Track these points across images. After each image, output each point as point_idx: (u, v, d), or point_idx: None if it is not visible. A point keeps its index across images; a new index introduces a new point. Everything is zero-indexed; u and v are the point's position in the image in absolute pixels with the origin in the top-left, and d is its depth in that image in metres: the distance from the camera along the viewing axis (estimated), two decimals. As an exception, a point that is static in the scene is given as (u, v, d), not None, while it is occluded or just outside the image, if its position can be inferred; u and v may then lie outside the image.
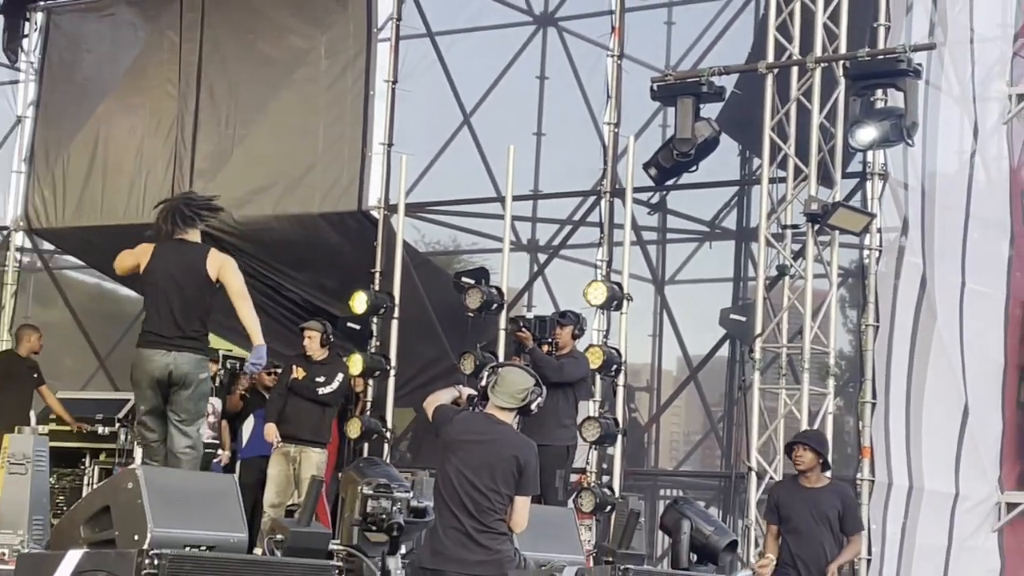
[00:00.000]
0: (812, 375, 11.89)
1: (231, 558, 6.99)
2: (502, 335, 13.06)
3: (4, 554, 8.01)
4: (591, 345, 12.92)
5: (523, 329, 11.67)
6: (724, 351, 15.63)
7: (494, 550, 6.90)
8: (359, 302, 13.53)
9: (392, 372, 14.21)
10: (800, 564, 9.32)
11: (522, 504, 7.30)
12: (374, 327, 14.23)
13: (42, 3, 19.12)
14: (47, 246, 19.49)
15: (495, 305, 12.49)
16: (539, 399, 7.59)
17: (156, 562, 3.83)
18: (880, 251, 12.40)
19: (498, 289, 12.99)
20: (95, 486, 12.62)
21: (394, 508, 8.01)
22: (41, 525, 8.58)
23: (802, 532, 9.34)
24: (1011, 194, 14.13)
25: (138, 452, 14.03)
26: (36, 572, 4.01)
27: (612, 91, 14.94)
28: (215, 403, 14.01)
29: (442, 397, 7.82)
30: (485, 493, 7.01)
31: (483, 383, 7.55)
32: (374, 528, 7.88)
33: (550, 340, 11.29)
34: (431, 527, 7.75)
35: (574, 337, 11.75)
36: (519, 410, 7.55)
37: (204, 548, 7.65)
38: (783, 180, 12.06)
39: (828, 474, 9.60)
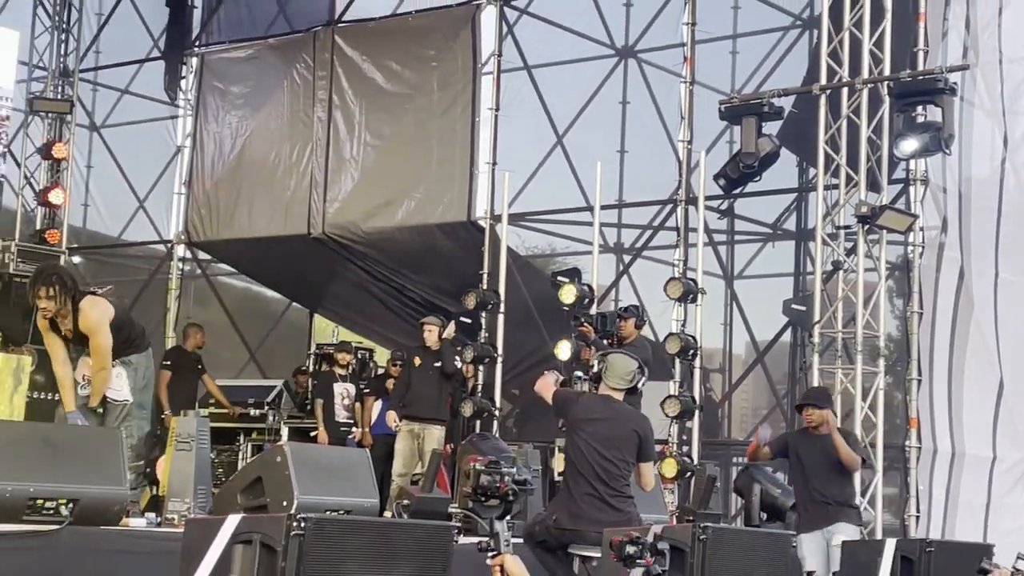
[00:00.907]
0: (864, 356, 11.79)
1: (365, 520, 7.01)
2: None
3: (174, 519, 8.16)
4: (670, 334, 12.97)
5: (584, 324, 11.77)
6: (787, 336, 15.54)
7: (624, 511, 7.43)
8: (470, 300, 13.61)
9: (499, 359, 14.28)
10: (815, 497, 9.28)
11: (647, 468, 8.17)
12: (483, 321, 14.19)
13: (197, 49, 19.30)
14: (204, 256, 19.63)
15: (587, 300, 12.53)
16: (643, 379, 8.11)
17: (303, 525, 3.84)
18: (923, 247, 12.33)
19: (589, 286, 13.03)
20: (248, 460, 12.84)
21: (502, 481, 8.10)
22: (204, 494, 8.69)
23: (816, 473, 9.34)
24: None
25: (284, 430, 14.33)
26: (202, 535, 3.98)
27: (685, 113, 14.92)
28: (349, 388, 14.25)
29: (549, 380, 8.18)
30: (614, 462, 7.70)
31: (595, 370, 8.06)
32: (484, 499, 7.97)
33: (613, 333, 11.37)
34: (565, 493, 8.12)
35: (637, 327, 11.80)
36: (627, 390, 8.02)
37: (342, 512, 7.82)
38: (836, 187, 12.00)
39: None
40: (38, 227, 17.98)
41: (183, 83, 19.66)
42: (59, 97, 19.03)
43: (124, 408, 8.18)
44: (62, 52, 19.23)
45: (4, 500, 6.59)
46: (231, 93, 19.02)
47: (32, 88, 19.18)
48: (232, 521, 3.93)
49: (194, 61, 19.44)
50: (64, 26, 19.24)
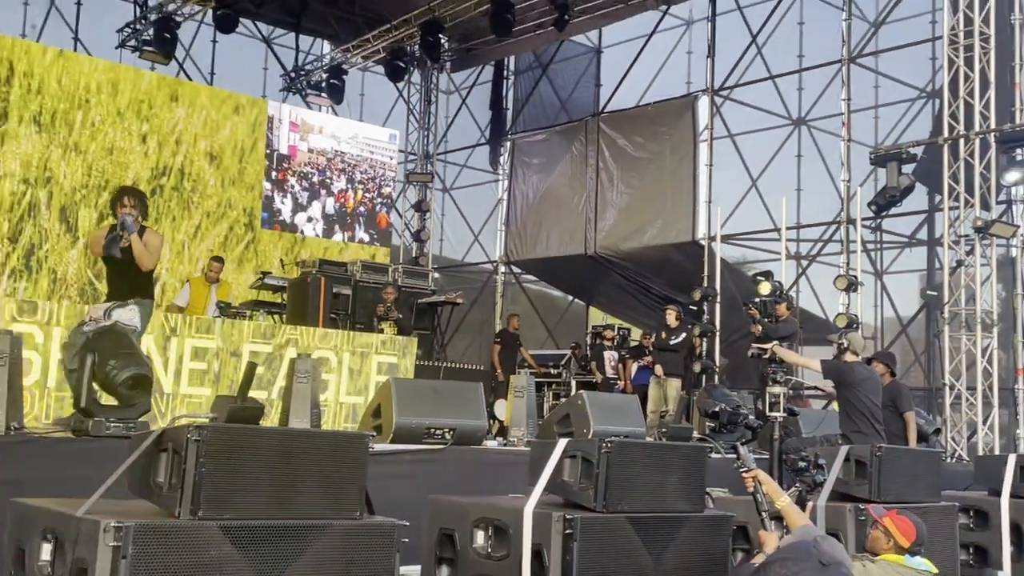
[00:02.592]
0: (981, 326, 11.43)
1: (641, 442, 7.09)
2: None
3: (514, 441, 8.33)
4: (839, 313, 12.52)
5: (752, 307, 11.60)
6: (922, 315, 15.07)
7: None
8: (696, 294, 13.56)
9: (716, 333, 14.12)
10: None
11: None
12: (704, 308, 14.02)
13: (510, 136, 19.77)
14: (516, 270, 20.02)
15: (778, 292, 12.38)
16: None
17: (608, 446, 3.89)
18: (1022, 248, 11.85)
19: (779, 282, 12.90)
20: (552, 404, 13.12)
21: (746, 419, 7.99)
22: (532, 425, 8.61)
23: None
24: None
25: (573, 383, 14.57)
26: (542, 452, 4.05)
27: (844, 161, 14.73)
28: (614, 355, 14.59)
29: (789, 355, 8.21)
30: (882, 410, 7.96)
31: (844, 346, 8.01)
32: (724, 430, 7.92)
33: (771, 313, 11.28)
34: (855, 432, 7.93)
35: (788, 308, 11.54)
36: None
37: (623, 436, 7.84)
38: (956, 208, 11.64)
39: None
40: (413, 255, 18.72)
41: (501, 158, 20.18)
42: (424, 171, 19.69)
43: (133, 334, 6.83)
44: (425, 142, 19.91)
45: (411, 429, 7.04)
46: (532, 163, 19.57)
47: (408, 166, 19.96)
48: (562, 443, 4.07)
49: (508, 143, 19.93)
50: (426, 126, 19.92)
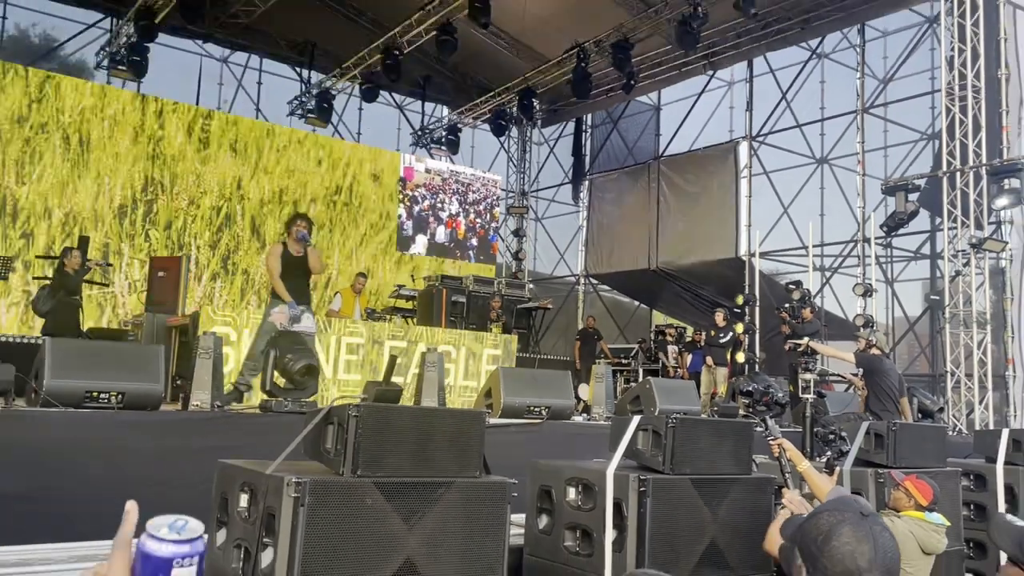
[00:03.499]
0: (976, 324, 11.22)
1: (698, 418, 7.06)
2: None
3: (595, 417, 8.37)
4: (857, 314, 12.40)
5: (783, 311, 11.50)
6: (927, 315, 14.68)
7: None
8: (739, 299, 13.42)
9: (757, 331, 13.97)
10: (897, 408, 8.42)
11: (904, 402, 8.27)
12: (747, 310, 13.62)
13: (587, 177, 19.74)
14: (594, 281, 19.90)
15: (806, 298, 12.20)
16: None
17: (671, 423, 3.88)
18: (1010, 260, 11.61)
19: (808, 290, 12.72)
20: (625, 387, 13.07)
21: (775, 397, 7.88)
22: (610, 404, 8.76)
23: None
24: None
25: (640, 371, 14.52)
26: (620, 426, 4.01)
27: (860, 191, 14.48)
28: (674, 348, 14.51)
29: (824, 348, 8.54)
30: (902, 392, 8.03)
31: (872, 343, 8.34)
32: (757, 406, 7.85)
33: (798, 315, 11.17)
34: (882, 411, 7.87)
35: (812, 312, 11.34)
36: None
37: (683, 413, 7.86)
38: (954, 228, 11.41)
39: None
40: (512, 271, 18.75)
41: (581, 194, 20.08)
42: (520, 205, 19.76)
43: (273, 330, 6.86)
44: (521, 183, 19.96)
45: (515, 406, 7.20)
46: (606, 198, 19.47)
47: (507, 202, 19.98)
48: (636, 419, 4.05)
49: (586, 182, 19.80)
50: (522, 170, 20.00)
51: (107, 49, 14.55)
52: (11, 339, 9.55)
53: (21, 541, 3.86)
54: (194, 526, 1.01)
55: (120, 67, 13.99)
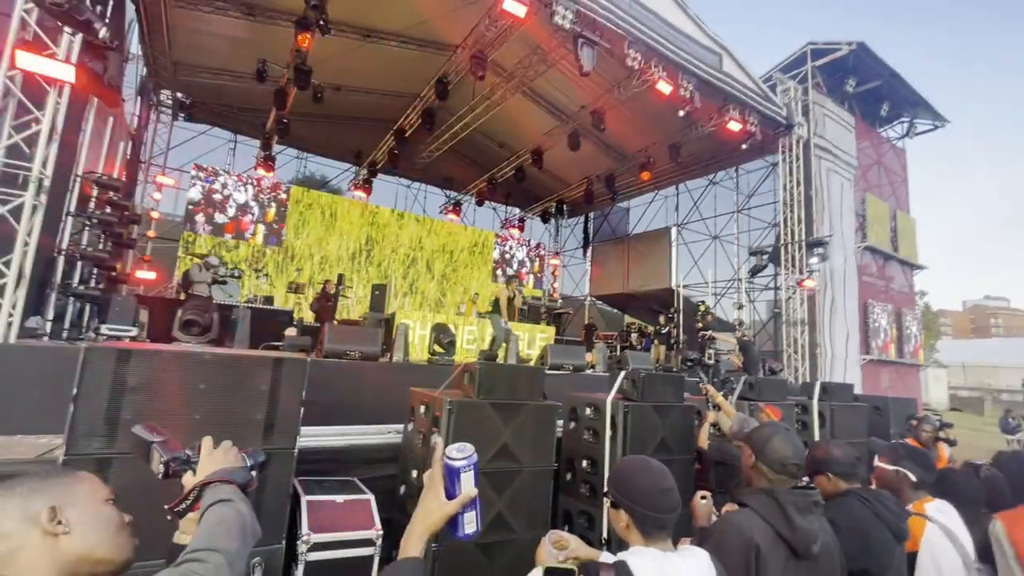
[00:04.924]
0: (798, 324, 10.70)
1: (655, 373, 6.80)
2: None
3: (598, 370, 7.70)
4: (735, 319, 11.91)
5: (697, 318, 10.42)
6: (772, 320, 13.96)
7: None
8: (671, 310, 12.95)
9: (680, 326, 13.34)
10: (756, 368, 7.67)
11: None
12: (674, 316, 12.78)
13: (591, 244, 18.73)
14: (593, 299, 18.93)
15: (707, 310, 11.74)
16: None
17: (642, 375, 3.58)
18: (819, 290, 11.07)
19: (708, 305, 12.23)
20: (611, 355, 12.53)
21: (700, 360, 7.43)
22: (604, 363, 8.07)
23: (755, 362, 7.73)
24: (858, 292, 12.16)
25: (618, 347, 14.07)
26: (613, 375, 3.93)
27: (736, 253, 13.94)
28: (636, 335, 13.61)
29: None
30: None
31: (745, 333, 7.27)
32: (694, 366, 7.36)
33: (703, 319, 10.26)
34: (752, 370, 7.02)
35: (711, 316, 10.47)
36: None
37: (646, 370, 7.57)
38: (788, 273, 11.00)
39: None
40: (551, 293, 18.26)
41: (587, 254, 19.02)
42: (556, 255, 19.31)
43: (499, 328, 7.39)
44: (554, 247, 18.98)
45: (558, 364, 6.52)
46: (600, 254, 18.62)
47: (550, 254, 19.25)
48: (622, 373, 3.78)
49: (591, 248, 18.87)
50: (556, 240, 19.13)
51: (351, 182, 15.16)
52: (307, 324, 9.82)
53: (327, 423, 3.77)
54: (469, 448, 0.98)
55: (358, 190, 14.58)
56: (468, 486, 0.95)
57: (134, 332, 4.82)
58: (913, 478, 2.01)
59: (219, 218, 12.40)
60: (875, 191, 13.24)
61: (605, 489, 1.42)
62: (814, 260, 10.55)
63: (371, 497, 2.79)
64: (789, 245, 11.10)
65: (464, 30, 9.10)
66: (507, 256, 17.66)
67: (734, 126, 10.02)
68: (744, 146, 10.72)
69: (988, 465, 2.38)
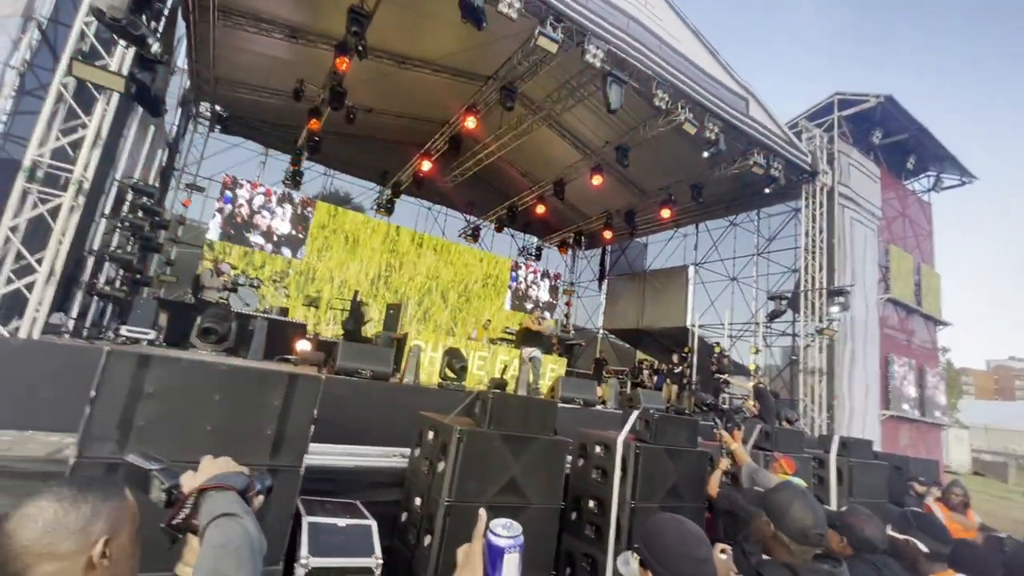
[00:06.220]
0: (816, 373, 10.46)
1: (668, 415, 6.66)
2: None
3: (609, 406, 7.54)
4: (751, 363, 11.69)
5: (712, 358, 10.52)
6: (789, 367, 13.71)
7: None
8: (685, 349, 12.65)
9: (694, 367, 13.04)
10: (772, 416, 7.29)
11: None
12: (688, 356, 12.40)
13: (607, 277, 18.71)
14: (606, 332, 18.83)
15: (723, 352, 11.55)
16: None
17: (656, 415, 3.62)
18: (838, 340, 10.83)
19: (723, 347, 12.08)
20: (622, 391, 12.40)
21: (709, 403, 7.25)
22: (616, 400, 7.92)
23: (771, 410, 7.51)
24: (880, 331, 11.89)
25: (630, 383, 13.76)
26: (626, 414, 3.91)
27: (755, 297, 13.75)
28: (648, 371, 13.54)
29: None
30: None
31: (761, 379, 6.99)
32: (704, 408, 7.14)
33: (719, 360, 10.34)
34: (768, 418, 6.86)
35: (726, 358, 10.62)
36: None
37: (659, 410, 7.36)
38: (807, 320, 10.82)
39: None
40: (565, 325, 18.16)
41: (603, 286, 19.08)
42: (571, 288, 19.07)
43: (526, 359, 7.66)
44: (570, 278, 19.01)
45: (569, 398, 6.39)
46: (616, 289, 18.62)
47: (566, 286, 19.27)
48: (635, 412, 3.76)
49: (606, 280, 18.90)
50: (572, 271, 19.03)
51: (375, 200, 15.43)
52: (324, 339, 9.85)
53: (332, 441, 3.74)
54: (517, 528, 0.87)
55: (380, 209, 14.82)
56: (511, 570, 0.83)
57: (152, 335, 4.91)
58: (924, 548, 1.93)
59: (250, 231, 12.56)
60: (899, 243, 13.06)
61: (635, 544, 1.38)
62: (835, 309, 10.34)
63: (373, 523, 2.71)
64: (809, 292, 10.94)
65: (497, 62, 9.26)
66: (524, 286, 17.58)
67: (758, 170, 10.05)
68: (767, 190, 10.71)
69: (1009, 537, 2.28)
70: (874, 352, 11.48)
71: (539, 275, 18.03)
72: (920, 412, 12.57)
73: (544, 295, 17.98)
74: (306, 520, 2.54)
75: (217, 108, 11.09)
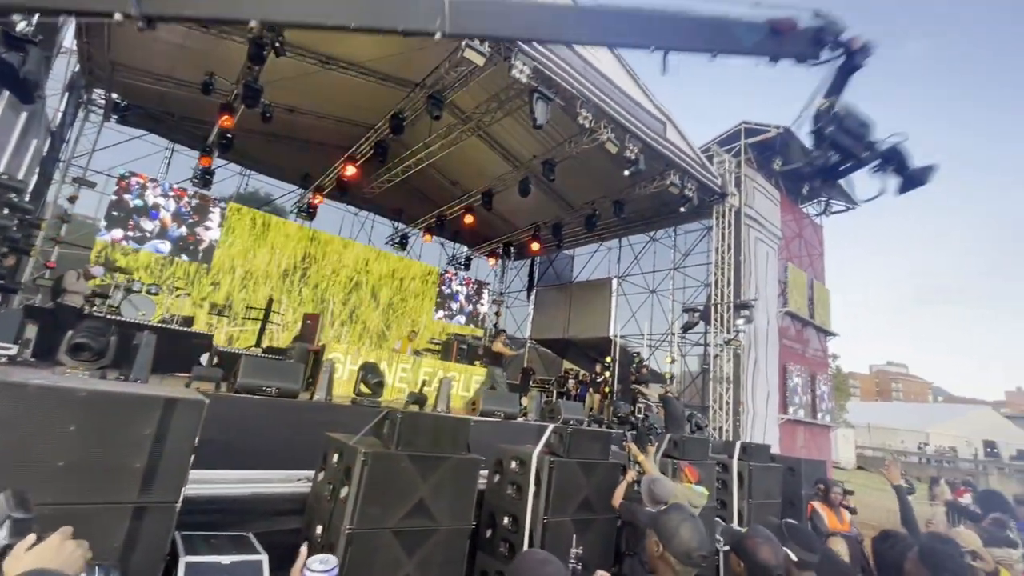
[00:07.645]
0: (724, 382, 11.18)
1: (584, 428, 5.87)
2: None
3: (530, 419, 7.46)
4: (666, 372, 12.32)
5: (631, 370, 10.92)
6: (701, 375, 14.61)
7: None
8: (607, 359, 13.18)
9: (615, 376, 13.64)
10: (686, 429, 7.65)
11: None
12: (610, 365, 12.88)
13: (535, 287, 19.02)
14: (533, 342, 19.21)
15: (641, 361, 12.06)
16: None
17: (569, 430, 3.67)
18: (743, 350, 11.68)
19: (642, 356, 12.62)
20: (547, 401, 12.63)
21: (627, 418, 7.43)
22: (538, 411, 7.81)
23: (679, 418, 7.69)
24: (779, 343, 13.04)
25: (554, 393, 14.06)
26: (542, 427, 3.96)
27: (672, 308, 14.58)
28: (573, 382, 13.83)
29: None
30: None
31: (670, 387, 6.91)
32: (622, 422, 7.29)
33: (638, 369, 10.82)
34: (677, 430, 6.78)
35: (644, 368, 10.97)
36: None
37: (575, 422, 7.24)
38: (717, 332, 11.56)
39: None
40: (492, 333, 18.33)
41: (531, 296, 19.29)
42: (500, 300, 19.20)
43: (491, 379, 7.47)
44: (500, 288, 19.15)
45: (490, 411, 6.29)
46: (543, 299, 18.88)
47: (493, 295, 19.29)
48: (550, 426, 3.88)
49: (535, 291, 19.14)
50: (502, 281, 19.02)
51: (296, 204, 14.64)
52: (224, 350, 9.18)
53: (228, 467, 3.53)
54: (332, 560, 0.94)
55: (302, 213, 14.08)
56: None
57: (14, 351, 4.26)
58: (794, 558, 2.02)
59: (144, 225, 11.29)
60: (796, 261, 14.45)
61: None
62: (740, 321, 11.20)
63: (264, 557, 2.50)
64: (719, 305, 11.74)
65: (425, 69, 9.22)
66: (447, 293, 17.42)
67: (674, 190, 10.70)
68: (682, 209, 11.44)
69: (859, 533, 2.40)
70: (774, 361, 12.52)
71: (470, 285, 18.00)
72: (813, 415, 13.91)
73: (479, 307, 17.91)
74: (184, 560, 2.29)
75: (114, 96, 10.00)
